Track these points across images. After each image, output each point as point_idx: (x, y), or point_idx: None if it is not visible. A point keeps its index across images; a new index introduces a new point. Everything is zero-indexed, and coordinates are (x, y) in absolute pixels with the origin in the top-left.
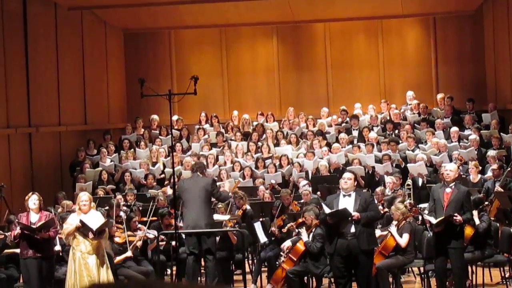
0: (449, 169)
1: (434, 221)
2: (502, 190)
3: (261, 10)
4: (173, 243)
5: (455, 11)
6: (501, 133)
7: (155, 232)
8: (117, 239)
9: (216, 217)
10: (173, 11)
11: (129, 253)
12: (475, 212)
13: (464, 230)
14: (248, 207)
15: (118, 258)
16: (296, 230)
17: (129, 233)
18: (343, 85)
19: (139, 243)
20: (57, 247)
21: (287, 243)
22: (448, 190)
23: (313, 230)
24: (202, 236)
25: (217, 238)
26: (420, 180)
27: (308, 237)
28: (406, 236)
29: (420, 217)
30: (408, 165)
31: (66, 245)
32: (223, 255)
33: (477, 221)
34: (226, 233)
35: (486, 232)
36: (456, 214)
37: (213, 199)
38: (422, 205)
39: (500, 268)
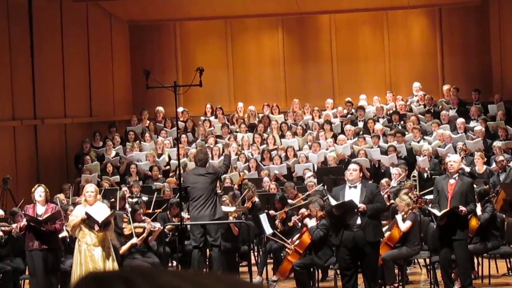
0: (453, 160)
1: (438, 213)
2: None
3: (266, 1)
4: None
5: (461, 2)
6: (507, 126)
7: (159, 224)
8: (124, 231)
9: (223, 208)
10: (178, 3)
11: (134, 240)
12: (478, 204)
13: (468, 222)
14: (257, 199)
15: (124, 248)
16: (300, 224)
17: (136, 224)
18: (349, 76)
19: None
20: (64, 233)
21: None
22: (452, 181)
23: (318, 221)
24: (207, 228)
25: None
26: (424, 173)
27: None
28: (408, 223)
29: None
30: (417, 157)
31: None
32: (228, 246)
33: (479, 213)
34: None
35: (491, 223)
36: (460, 206)
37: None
38: (428, 197)
39: (506, 260)
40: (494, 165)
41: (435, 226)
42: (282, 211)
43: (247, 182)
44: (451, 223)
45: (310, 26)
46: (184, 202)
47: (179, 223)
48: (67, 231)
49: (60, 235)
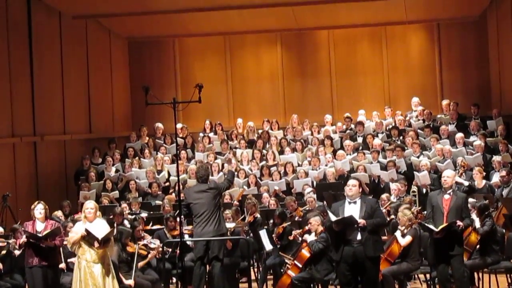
0: (447, 175)
1: (436, 229)
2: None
3: (265, 17)
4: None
5: (459, 17)
6: (508, 145)
7: (158, 242)
8: (128, 248)
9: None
10: (177, 19)
11: (130, 281)
12: (477, 219)
13: (463, 236)
14: (258, 215)
15: (122, 276)
16: (300, 239)
17: (141, 246)
18: (348, 91)
19: (149, 256)
20: (62, 265)
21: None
22: (446, 196)
23: (318, 236)
24: (209, 243)
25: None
26: (424, 188)
27: None
28: (408, 238)
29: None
30: (415, 173)
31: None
32: (229, 262)
33: (478, 226)
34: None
35: (490, 238)
36: (457, 221)
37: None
38: None
39: (506, 275)
40: (494, 179)
41: (429, 241)
42: (280, 226)
43: (251, 197)
44: (447, 238)
45: (309, 41)
46: (186, 218)
47: (178, 239)
48: (66, 262)
49: (60, 266)
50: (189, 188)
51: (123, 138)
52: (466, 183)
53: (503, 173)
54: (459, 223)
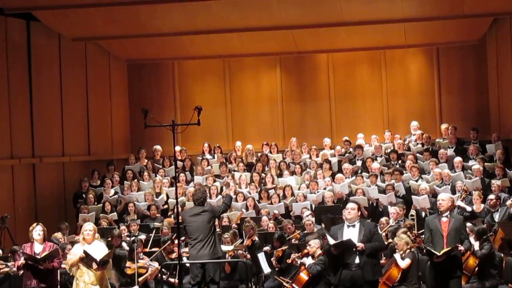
0: (441, 199)
1: (439, 253)
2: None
3: (264, 40)
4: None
5: (458, 42)
6: (506, 169)
7: (157, 264)
8: (127, 271)
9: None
10: (177, 42)
11: None
12: (476, 243)
13: (461, 259)
14: (256, 238)
15: None
16: (299, 262)
17: (140, 264)
18: (347, 115)
19: (148, 277)
20: None
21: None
22: (444, 219)
23: (317, 259)
24: (206, 266)
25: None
26: (423, 212)
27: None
28: (407, 260)
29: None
30: (412, 197)
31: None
32: (227, 285)
33: (476, 248)
34: (229, 263)
35: (489, 262)
36: (459, 245)
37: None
38: None
39: None
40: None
41: (428, 264)
42: (279, 249)
43: (249, 220)
44: (447, 262)
45: (308, 65)
46: (180, 240)
47: (177, 262)
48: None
49: None
50: (185, 210)
51: (122, 161)
52: (469, 208)
53: (492, 197)
54: (460, 247)
